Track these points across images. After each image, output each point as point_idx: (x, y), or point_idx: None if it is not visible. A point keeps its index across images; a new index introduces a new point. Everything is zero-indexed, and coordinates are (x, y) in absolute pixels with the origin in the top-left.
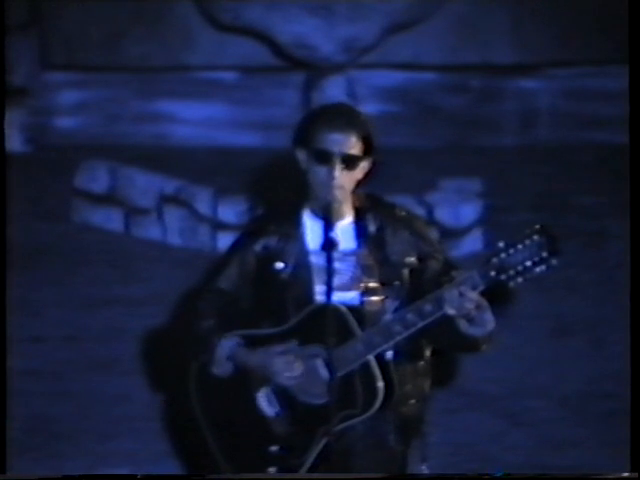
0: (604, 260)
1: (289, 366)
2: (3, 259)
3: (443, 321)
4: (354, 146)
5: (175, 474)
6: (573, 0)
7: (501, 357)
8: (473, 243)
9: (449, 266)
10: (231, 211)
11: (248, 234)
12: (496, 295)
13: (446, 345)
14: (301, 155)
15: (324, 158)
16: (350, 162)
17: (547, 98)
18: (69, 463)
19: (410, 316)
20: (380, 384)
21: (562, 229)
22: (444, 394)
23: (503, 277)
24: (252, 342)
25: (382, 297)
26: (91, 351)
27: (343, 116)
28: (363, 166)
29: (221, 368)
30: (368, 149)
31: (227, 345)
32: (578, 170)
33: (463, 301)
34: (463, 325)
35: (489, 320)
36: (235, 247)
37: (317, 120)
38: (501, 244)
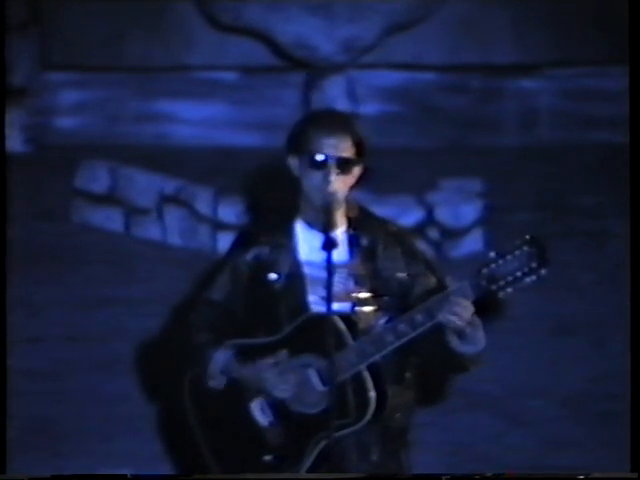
0: (604, 260)
1: (282, 378)
2: (3, 259)
3: (435, 337)
4: (348, 150)
5: (170, 475)
6: (573, 0)
7: (501, 357)
8: (473, 243)
9: (440, 284)
10: (231, 211)
11: (239, 244)
12: (486, 305)
13: (435, 363)
14: (294, 162)
15: (319, 163)
16: (345, 166)
17: (547, 98)
18: (69, 463)
19: (402, 326)
20: (372, 394)
21: (562, 229)
22: (442, 399)
23: (493, 287)
24: (246, 352)
25: (374, 308)
26: (91, 351)
27: (336, 121)
28: (356, 171)
29: (215, 381)
30: (361, 153)
31: (220, 359)
32: (578, 170)
33: (455, 308)
34: (454, 342)
35: (480, 338)
36: (227, 257)
37: (310, 126)
38: (492, 254)
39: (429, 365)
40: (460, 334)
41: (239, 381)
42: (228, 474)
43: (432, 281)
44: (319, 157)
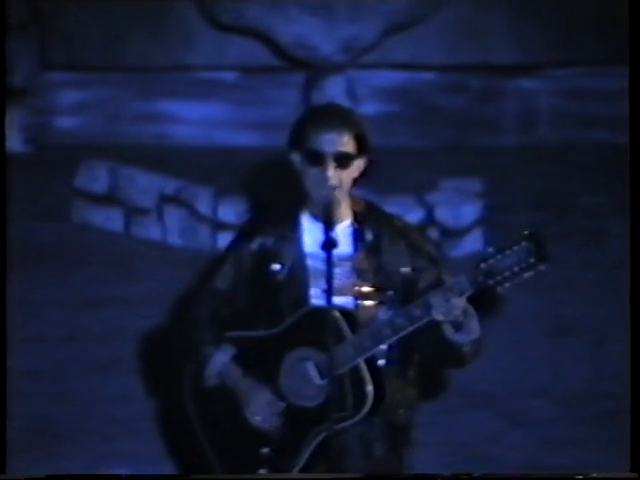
0: (604, 260)
1: (265, 411)
2: (3, 259)
3: (430, 328)
4: (346, 144)
5: (169, 474)
6: (573, 0)
7: (501, 357)
8: (473, 243)
9: (442, 280)
10: (231, 211)
11: (245, 234)
12: (485, 300)
13: (434, 355)
14: (296, 158)
15: (317, 159)
16: (343, 161)
17: (547, 98)
18: (69, 463)
19: (400, 320)
20: (369, 388)
21: (562, 229)
22: (444, 394)
23: (491, 282)
24: (246, 348)
25: (376, 302)
26: (91, 351)
27: (334, 116)
28: (358, 164)
29: (210, 381)
30: (362, 147)
31: (219, 361)
32: (578, 170)
33: (450, 306)
34: (448, 331)
35: (474, 328)
36: (231, 246)
37: (308, 122)
38: (490, 249)
39: (429, 358)
40: (454, 323)
41: (231, 388)
42: (228, 473)
43: (435, 276)
44: (317, 153)
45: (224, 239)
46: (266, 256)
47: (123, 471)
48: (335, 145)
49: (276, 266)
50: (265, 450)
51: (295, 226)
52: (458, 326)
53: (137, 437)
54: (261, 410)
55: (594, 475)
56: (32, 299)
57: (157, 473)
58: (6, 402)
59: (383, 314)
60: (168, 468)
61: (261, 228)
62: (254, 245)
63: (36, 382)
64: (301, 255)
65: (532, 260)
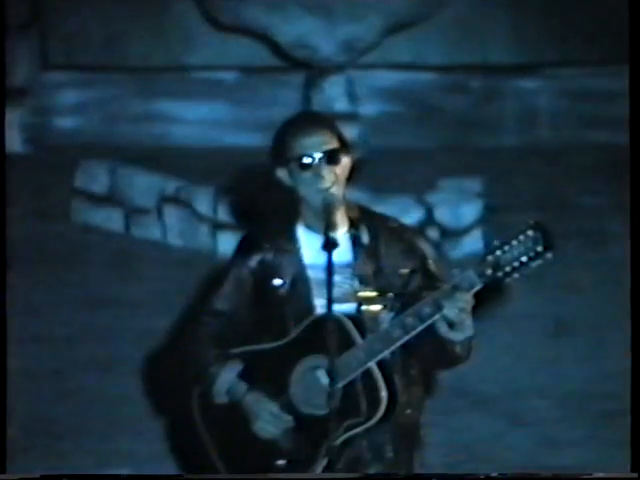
0: (604, 260)
1: (272, 425)
2: (3, 259)
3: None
4: (331, 142)
5: (167, 475)
6: (573, 0)
7: (501, 357)
8: (473, 243)
9: (435, 279)
10: (231, 211)
11: (242, 251)
12: (491, 293)
13: (426, 354)
14: (283, 174)
15: (307, 163)
16: (333, 157)
17: (547, 98)
18: (69, 463)
19: (409, 320)
20: (383, 393)
21: (562, 229)
22: (444, 394)
23: (499, 274)
24: (253, 362)
25: (379, 306)
26: (91, 351)
27: (310, 120)
28: (345, 162)
29: (220, 400)
30: (345, 143)
31: (226, 379)
32: (578, 170)
33: (460, 302)
34: (443, 328)
35: (469, 326)
36: (230, 265)
37: (287, 133)
38: (496, 242)
39: (421, 357)
40: (449, 320)
41: (239, 404)
42: (229, 475)
43: (426, 278)
44: (305, 158)
45: (224, 239)
46: (266, 272)
47: (123, 471)
48: (321, 144)
49: (278, 281)
50: (281, 462)
51: (292, 239)
52: (453, 324)
53: (137, 437)
54: (268, 424)
55: (594, 475)
56: (32, 299)
57: (157, 473)
58: (6, 402)
59: (387, 317)
60: (168, 468)
61: (258, 244)
62: (253, 262)
63: (36, 382)
64: (301, 267)
65: (540, 249)
